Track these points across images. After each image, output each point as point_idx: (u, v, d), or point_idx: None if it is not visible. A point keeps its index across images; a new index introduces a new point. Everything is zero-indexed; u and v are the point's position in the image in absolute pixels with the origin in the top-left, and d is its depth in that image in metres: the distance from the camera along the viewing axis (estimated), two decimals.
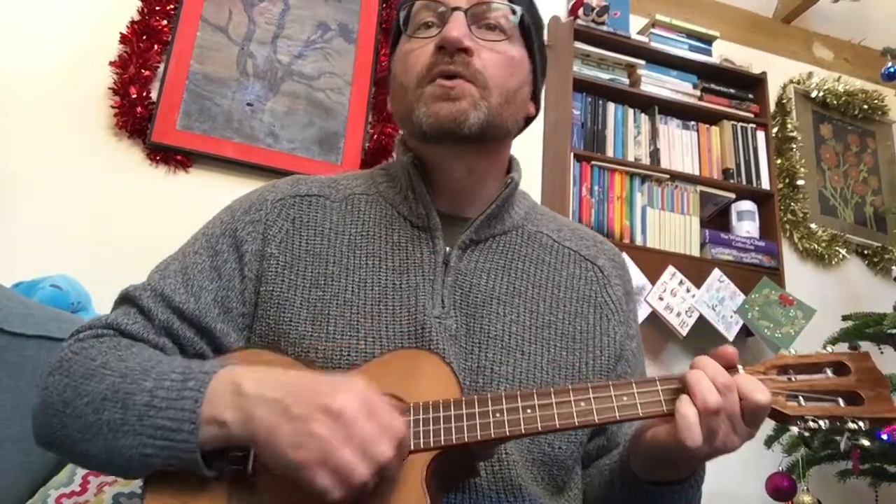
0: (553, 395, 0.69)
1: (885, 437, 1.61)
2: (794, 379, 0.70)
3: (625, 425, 0.90)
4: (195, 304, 0.81)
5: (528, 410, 0.68)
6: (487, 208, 0.87)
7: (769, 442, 1.90)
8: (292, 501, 0.66)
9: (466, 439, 0.67)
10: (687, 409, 0.65)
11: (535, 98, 0.93)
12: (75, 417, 0.71)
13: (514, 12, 0.86)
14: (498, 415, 0.68)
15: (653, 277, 2.06)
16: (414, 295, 0.82)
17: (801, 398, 0.69)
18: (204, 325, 0.81)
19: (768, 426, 1.92)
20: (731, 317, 2.10)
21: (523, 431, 0.68)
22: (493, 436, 0.68)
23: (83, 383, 0.72)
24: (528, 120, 0.94)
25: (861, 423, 0.66)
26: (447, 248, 0.86)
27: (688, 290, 2.09)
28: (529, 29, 0.89)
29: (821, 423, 0.67)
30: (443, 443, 0.67)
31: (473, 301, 0.83)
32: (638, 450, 0.74)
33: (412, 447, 0.67)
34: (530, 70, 0.90)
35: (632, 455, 0.76)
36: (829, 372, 0.70)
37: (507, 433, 0.68)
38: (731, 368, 0.70)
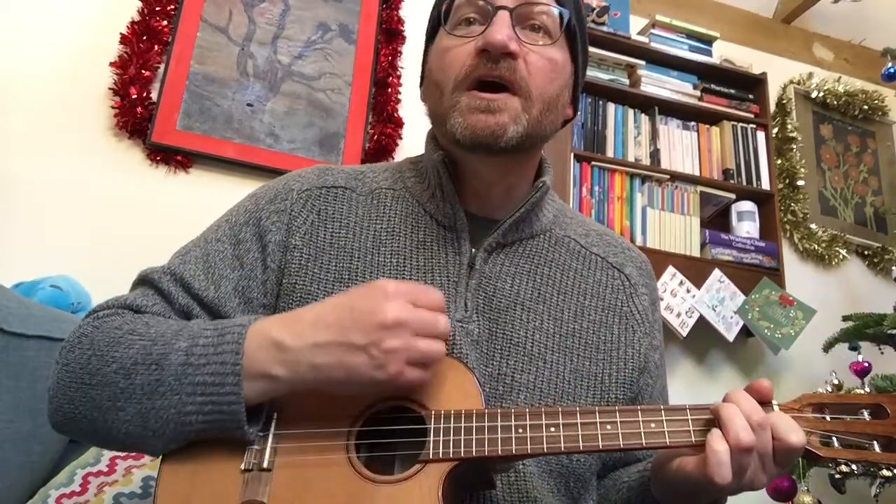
0: (578, 416, 0.68)
1: None
2: (828, 419, 0.68)
3: None
4: (215, 292, 0.80)
5: (552, 429, 0.67)
6: (516, 211, 0.85)
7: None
8: (305, 491, 0.66)
9: (487, 453, 0.67)
10: (719, 445, 0.64)
11: (574, 100, 0.90)
12: (103, 386, 0.69)
13: (560, 14, 0.82)
14: (521, 430, 0.67)
15: None
16: None
17: (835, 440, 0.66)
18: (223, 315, 0.80)
19: None
20: (732, 317, 2.10)
21: (545, 450, 0.67)
22: (514, 452, 0.67)
23: (109, 351, 0.71)
24: (565, 122, 0.91)
25: None
26: (473, 250, 0.84)
27: (688, 291, 2.09)
28: (574, 30, 0.86)
29: (853, 466, 0.65)
30: (462, 455, 0.67)
31: (497, 306, 0.82)
32: (661, 476, 0.73)
33: (430, 456, 0.67)
34: (572, 73, 0.87)
35: (654, 480, 0.75)
36: (865, 414, 0.68)
37: (529, 450, 0.67)
38: (765, 404, 0.68)
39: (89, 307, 1.50)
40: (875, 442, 0.66)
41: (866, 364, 1.75)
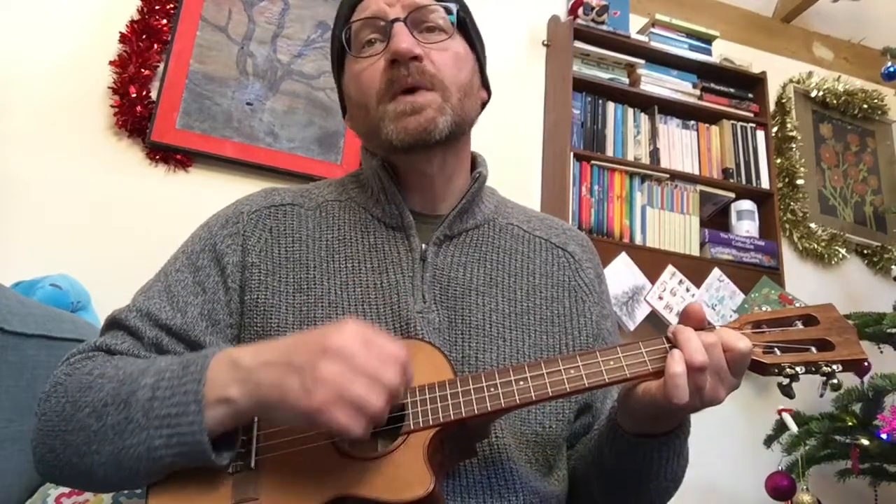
0: (544, 366, 0.72)
1: (884, 436, 1.61)
2: (767, 332, 0.74)
3: (608, 401, 0.92)
4: (182, 319, 0.82)
5: (521, 382, 0.71)
6: (458, 204, 0.90)
7: (769, 441, 1.91)
8: (296, 492, 0.67)
9: (464, 414, 0.69)
10: (675, 368, 0.68)
11: (484, 85, 0.96)
12: (78, 431, 0.70)
13: (448, 11, 0.89)
14: (493, 389, 0.71)
15: (653, 277, 2.06)
16: (395, 292, 0.84)
17: (776, 349, 0.73)
18: (193, 339, 0.81)
19: (767, 426, 1.92)
20: (731, 316, 2.10)
21: (518, 402, 0.70)
22: (489, 409, 0.70)
23: (81, 396, 0.72)
24: (483, 105, 0.97)
25: (835, 367, 0.71)
26: (423, 245, 0.88)
27: (687, 290, 2.09)
28: (464, 21, 0.92)
29: (797, 369, 0.71)
30: (441, 419, 0.69)
31: (453, 294, 0.86)
32: (627, 405, 0.76)
33: (412, 427, 0.69)
34: (475, 60, 0.93)
35: (620, 411, 0.78)
36: (799, 324, 0.75)
37: (503, 405, 0.70)
38: (707, 327, 0.73)
39: (89, 306, 1.50)
40: (812, 346, 0.73)
41: (866, 363, 1.75)
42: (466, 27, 0.92)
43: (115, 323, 0.83)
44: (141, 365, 0.73)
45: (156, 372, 0.70)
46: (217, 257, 0.86)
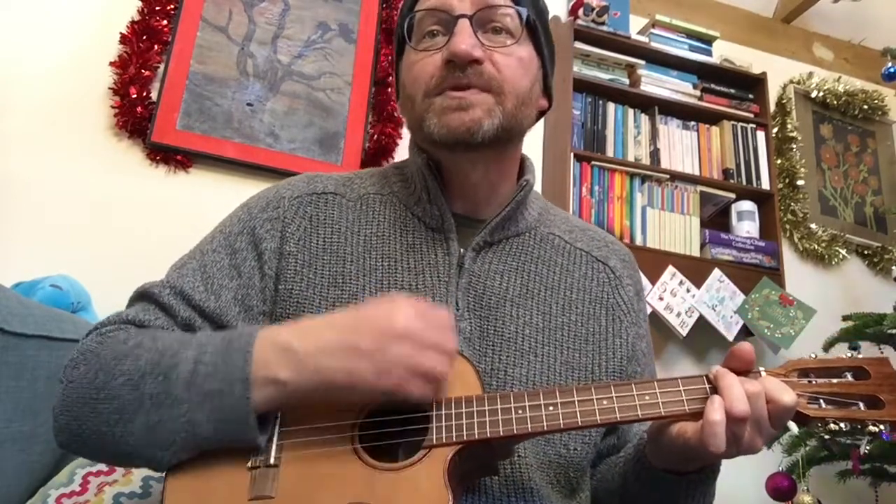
0: (575, 393, 0.70)
1: (885, 437, 1.61)
2: (814, 382, 0.71)
3: (635, 425, 0.90)
4: (216, 302, 0.81)
5: (551, 408, 0.69)
6: (502, 210, 0.87)
7: (769, 442, 1.90)
8: (312, 495, 0.67)
9: (489, 434, 0.68)
10: (714, 416, 0.65)
11: (546, 91, 0.93)
12: (111, 400, 0.69)
13: (519, 13, 0.85)
14: (520, 411, 0.69)
15: (653, 277, 2.06)
16: (430, 297, 0.82)
17: (821, 401, 0.69)
18: (224, 324, 0.80)
19: None
20: (731, 317, 2.10)
21: (546, 428, 0.69)
22: (515, 432, 0.68)
23: (116, 365, 0.71)
24: (541, 114, 0.93)
25: (882, 426, 0.68)
26: (461, 250, 0.86)
27: (688, 291, 2.09)
28: (535, 25, 0.88)
29: (841, 425, 0.68)
30: (465, 437, 0.68)
31: (487, 303, 0.83)
32: (659, 441, 0.74)
33: (434, 441, 0.68)
34: (539, 66, 0.89)
35: (650, 444, 0.77)
36: (848, 376, 0.71)
37: (530, 429, 0.69)
38: (752, 371, 0.70)
39: (89, 307, 1.50)
40: (860, 401, 0.69)
41: None
42: (536, 31, 0.88)
43: (146, 296, 0.81)
44: (179, 337, 0.73)
45: (197, 345, 0.70)
46: (255, 241, 0.85)
